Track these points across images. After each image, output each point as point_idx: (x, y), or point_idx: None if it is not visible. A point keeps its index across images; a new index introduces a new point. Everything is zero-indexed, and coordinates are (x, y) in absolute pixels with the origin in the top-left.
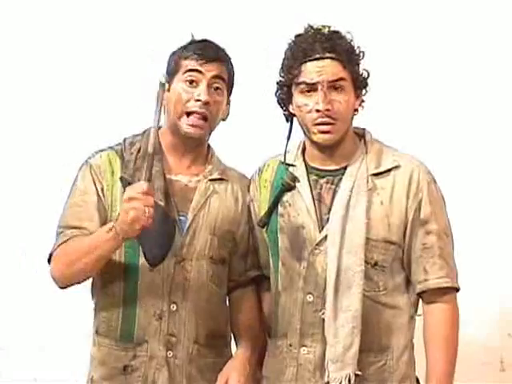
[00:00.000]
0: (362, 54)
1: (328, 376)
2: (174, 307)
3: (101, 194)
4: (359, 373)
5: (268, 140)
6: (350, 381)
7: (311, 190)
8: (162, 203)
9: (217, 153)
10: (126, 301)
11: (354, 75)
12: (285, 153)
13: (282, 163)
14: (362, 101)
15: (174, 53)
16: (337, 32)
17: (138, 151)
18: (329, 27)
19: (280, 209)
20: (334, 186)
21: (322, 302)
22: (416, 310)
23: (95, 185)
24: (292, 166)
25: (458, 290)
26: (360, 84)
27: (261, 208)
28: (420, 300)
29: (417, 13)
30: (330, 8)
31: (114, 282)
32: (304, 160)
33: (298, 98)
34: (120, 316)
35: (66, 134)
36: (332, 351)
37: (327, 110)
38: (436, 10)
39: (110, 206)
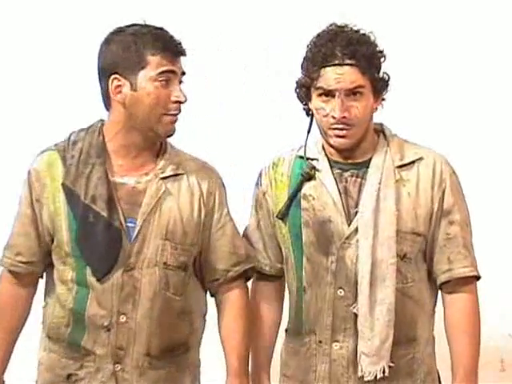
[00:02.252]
0: (383, 58)
1: (362, 370)
2: (123, 318)
3: (36, 205)
4: (392, 364)
5: (268, 139)
6: (384, 373)
7: (337, 184)
8: (104, 213)
9: (177, 145)
10: (76, 313)
11: (374, 80)
12: (305, 145)
13: (301, 158)
14: (383, 99)
15: (127, 42)
16: (359, 34)
17: (81, 153)
18: (351, 28)
19: (303, 202)
20: (359, 179)
21: (353, 296)
22: (436, 304)
23: (31, 194)
24: (313, 160)
25: (479, 279)
26: (380, 88)
27: (277, 202)
28: (440, 292)
29: (428, 9)
30: (330, 8)
31: (64, 294)
32: (326, 154)
33: (316, 101)
34: (70, 326)
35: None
36: (368, 345)
37: (344, 117)
38: (448, 9)
39: (52, 217)
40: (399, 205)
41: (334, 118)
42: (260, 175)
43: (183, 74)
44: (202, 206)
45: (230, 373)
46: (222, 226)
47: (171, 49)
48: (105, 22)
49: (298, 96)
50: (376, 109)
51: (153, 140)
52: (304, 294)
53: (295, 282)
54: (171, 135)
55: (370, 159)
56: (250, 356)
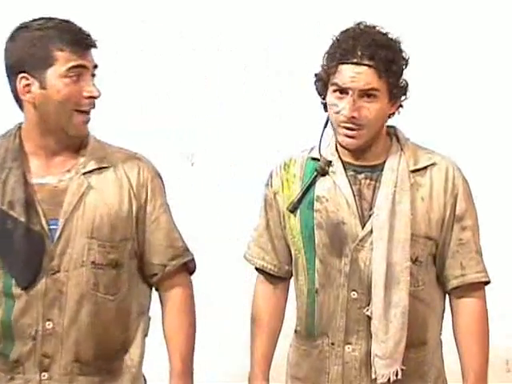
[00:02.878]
0: (405, 65)
1: (375, 372)
2: (49, 325)
3: None
4: (404, 367)
5: (268, 139)
6: (397, 375)
7: (350, 186)
8: (22, 219)
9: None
10: (4, 325)
11: (390, 85)
12: (320, 141)
13: (314, 159)
14: (400, 106)
15: (32, 38)
16: (384, 37)
17: None
18: (378, 29)
19: (316, 204)
20: (373, 182)
21: (366, 298)
22: (445, 307)
23: None
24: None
25: (487, 283)
26: (396, 94)
27: (287, 200)
28: (448, 296)
29: (436, 13)
30: (330, 8)
31: None
32: (339, 156)
33: (330, 97)
34: (1, 339)
35: None
36: (382, 347)
37: (353, 117)
38: (454, 13)
39: None
40: (413, 209)
41: (344, 116)
42: (271, 176)
43: (95, 67)
44: (133, 198)
45: (173, 374)
46: (156, 219)
47: (80, 42)
48: (105, 21)
49: (316, 89)
50: (392, 115)
51: (66, 142)
52: (316, 296)
53: (307, 284)
54: (83, 136)
55: (384, 162)
56: (250, 359)
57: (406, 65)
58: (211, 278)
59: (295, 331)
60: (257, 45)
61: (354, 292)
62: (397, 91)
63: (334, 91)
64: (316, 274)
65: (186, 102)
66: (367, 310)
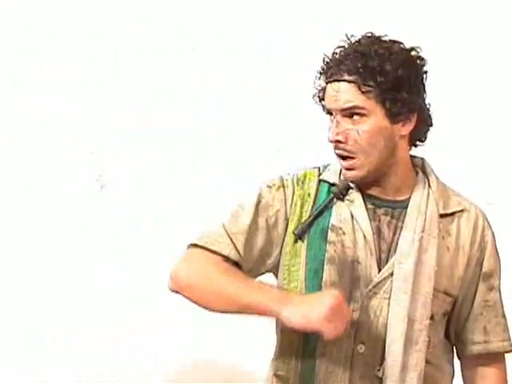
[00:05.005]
0: (410, 77)
1: None
2: None
3: None
4: None
5: (268, 139)
6: None
7: (370, 220)
8: None
9: None
10: None
11: (382, 101)
12: (340, 174)
13: (327, 182)
14: (419, 126)
15: None
16: (379, 46)
17: None
18: (377, 39)
19: (330, 235)
20: (394, 221)
21: (373, 355)
22: (454, 371)
23: None
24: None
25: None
26: (397, 110)
27: (298, 221)
28: (461, 360)
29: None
30: (330, 8)
31: None
32: (358, 184)
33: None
34: None
35: None
36: None
37: (338, 141)
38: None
39: None
40: (438, 259)
41: (329, 141)
42: (280, 183)
43: None
44: None
45: None
46: None
47: None
48: (105, 21)
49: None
50: (403, 136)
51: None
52: (317, 344)
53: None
54: None
55: (408, 199)
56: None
57: (417, 76)
58: None
59: (275, 375)
60: (257, 45)
61: (361, 345)
62: (395, 107)
63: (327, 114)
64: None
65: (186, 102)
66: (378, 370)
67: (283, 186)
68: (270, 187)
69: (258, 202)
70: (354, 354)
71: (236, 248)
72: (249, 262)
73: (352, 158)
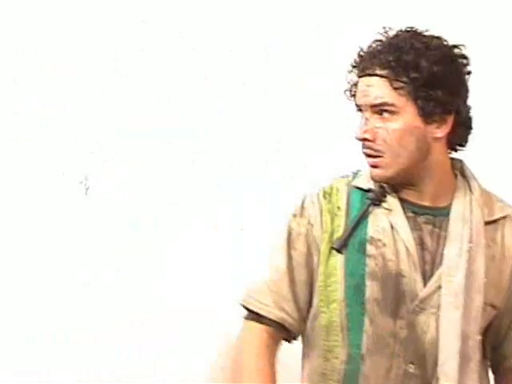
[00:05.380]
0: (449, 74)
1: None
2: None
3: None
4: None
5: (268, 139)
6: None
7: (411, 230)
8: None
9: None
10: None
11: (415, 98)
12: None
13: (360, 189)
14: (456, 128)
15: None
16: (417, 41)
17: None
18: (414, 33)
19: (370, 248)
20: (437, 230)
21: (424, 374)
22: None
23: None
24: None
25: None
26: (431, 109)
27: (331, 237)
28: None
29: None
30: (330, 9)
31: None
32: (395, 190)
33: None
34: None
35: None
36: None
37: (366, 139)
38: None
39: None
40: (485, 270)
41: (356, 138)
42: (302, 206)
43: None
44: None
45: None
46: None
47: None
48: (105, 21)
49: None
50: (439, 138)
51: None
52: (361, 364)
53: (346, 347)
54: None
55: (449, 205)
56: None
57: (456, 74)
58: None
59: None
60: (257, 45)
61: (411, 365)
62: (428, 106)
63: (358, 111)
64: (364, 336)
65: (186, 102)
66: None
67: (304, 208)
68: (294, 216)
69: (289, 235)
70: (405, 374)
71: (283, 309)
72: (300, 302)
73: (379, 156)
